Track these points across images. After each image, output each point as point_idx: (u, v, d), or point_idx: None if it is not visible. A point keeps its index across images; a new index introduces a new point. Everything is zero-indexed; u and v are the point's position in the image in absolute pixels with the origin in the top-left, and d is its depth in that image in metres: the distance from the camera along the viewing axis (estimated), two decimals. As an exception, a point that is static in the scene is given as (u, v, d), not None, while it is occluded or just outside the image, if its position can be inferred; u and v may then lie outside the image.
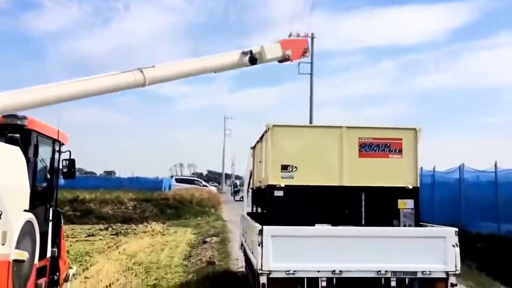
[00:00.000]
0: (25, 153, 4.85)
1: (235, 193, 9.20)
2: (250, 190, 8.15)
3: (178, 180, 35.91)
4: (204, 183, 37.94)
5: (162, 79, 4.96)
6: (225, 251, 11.42)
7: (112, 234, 15.94)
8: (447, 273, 4.90)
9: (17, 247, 4.45)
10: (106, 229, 17.46)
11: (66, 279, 6.18)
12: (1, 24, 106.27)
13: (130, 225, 18.75)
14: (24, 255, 4.53)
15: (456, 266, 4.90)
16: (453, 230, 5.06)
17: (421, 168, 12.42)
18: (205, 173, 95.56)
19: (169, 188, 31.61)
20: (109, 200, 22.63)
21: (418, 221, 5.63)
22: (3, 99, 4.13)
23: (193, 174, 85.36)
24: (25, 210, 4.75)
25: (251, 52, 5.42)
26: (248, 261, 6.53)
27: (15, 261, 4.41)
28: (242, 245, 7.60)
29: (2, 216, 4.23)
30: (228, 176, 71.81)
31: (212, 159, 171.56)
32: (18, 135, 4.78)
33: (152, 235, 15.97)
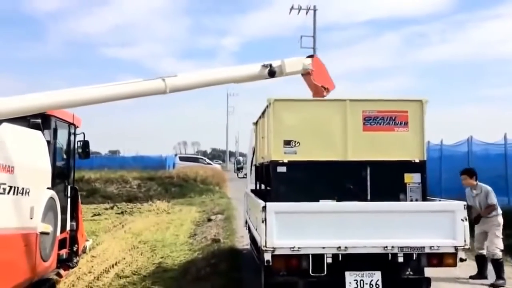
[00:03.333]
0: (46, 136, 5.36)
1: (238, 170, 9.09)
2: (253, 167, 8.04)
3: (182, 158, 35.94)
4: (208, 161, 38.01)
5: (183, 88, 5.22)
6: (230, 229, 11.42)
7: (118, 213, 16.03)
8: (456, 247, 4.77)
9: (42, 221, 4.95)
10: (112, 208, 17.57)
11: (84, 250, 6.84)
12: (1, 5, 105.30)
13: (135, 204, 18.87)
14: (48, 228, 5.04)
15: (465, 241, 4.76)
16: (461, 204, 4.92)
17: (428, 141, 12.25)
18: (209, 151, 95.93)
19: (173, 167, 31.67)
20: (114, 179, 22.74)
21: (426, 196, 5.48)
22: (33, 101, 4.43)
23: (197, 152, 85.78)
24: (48, 188, 5.27)
25: (270, 65, 5.57)
26: (252, 238, 6.47)
27: (41, 233, 4.92)
28: (246, 222, 7.55)
29: (30, 193, 4.70)
30: (232, 154, 71.94)
31: (216, 137, 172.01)
32: (39, 121, 5.22)
33: (157, 213, 16.04)
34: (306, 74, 5.95)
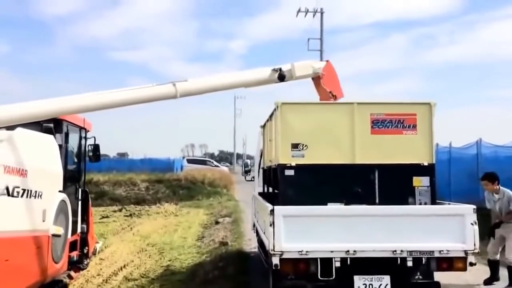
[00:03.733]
0: (58, 140, 5.46)
1: (246, 172, 9.10)
2: (261, 170, 8.04)
3: (189, 161, 36.05)
4: (215, 163, 38.08)
5: (193, 92, 5.28)
6: (238, 232, 11.42)
7: (126, 216, 16.10)
8: (465, 252, 4.73)
9: (54, 224, 5.05)
10: (120, 210, 17.64)
11: (94, 253, 7.01)
12: (11, 8, 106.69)
13: (143, 207, 18.92)
14: (60, 230, 5.12)
15: (475, 245, 4.73)
16: (471, 207, 4.88)
17: (437, 144, 12.15)
18: (216, 153, 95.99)
19: (181, 169, 31.74)
20: (122, 181, 22.86)
21: (435, 199, 5.44)
22: (49, 106, 4.62)
23: (204, 154, 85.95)
24: (59, 191, 5.36)
25: (280, 69, 5.58)
26: (260, 241, 6.47)
27: (53, 235, 5.01)
28: (254, 225, 7.55)
29: (42, 196, 4.78)
30: (239, 156, 71.98)
31: (223, 139, 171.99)
32: (51, 125, 5.33)
33: (165, 216, 16.07)
34: (316, 78, 5.95)
